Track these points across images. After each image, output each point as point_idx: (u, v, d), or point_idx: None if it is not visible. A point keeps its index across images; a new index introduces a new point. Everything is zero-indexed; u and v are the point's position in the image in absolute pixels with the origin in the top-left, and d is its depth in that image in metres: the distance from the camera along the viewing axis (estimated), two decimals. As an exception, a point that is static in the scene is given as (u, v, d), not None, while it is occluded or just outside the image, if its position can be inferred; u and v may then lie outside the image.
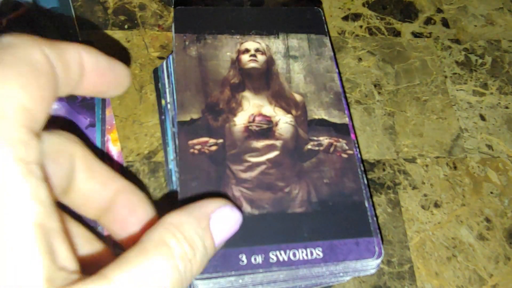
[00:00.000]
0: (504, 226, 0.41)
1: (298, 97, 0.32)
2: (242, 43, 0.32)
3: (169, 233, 0.18)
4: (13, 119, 0.15)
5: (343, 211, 0.30)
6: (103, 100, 0.41)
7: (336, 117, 0.31)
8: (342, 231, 0.29)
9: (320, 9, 0.36)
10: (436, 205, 0.41)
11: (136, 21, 0.47)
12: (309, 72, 0.32)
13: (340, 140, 0.31)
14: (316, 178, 0.30)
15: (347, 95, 0.46)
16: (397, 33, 0.51)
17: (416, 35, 0.51)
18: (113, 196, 0.22)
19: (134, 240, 0.18)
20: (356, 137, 0.36)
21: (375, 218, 0.30)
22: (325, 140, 0.31)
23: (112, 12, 0.47)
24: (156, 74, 0.43)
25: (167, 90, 0.40)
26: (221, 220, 0.21)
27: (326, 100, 0.31)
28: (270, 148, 0.31)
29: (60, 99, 0.39)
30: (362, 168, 0.32)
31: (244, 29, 0.32)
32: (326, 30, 0.32)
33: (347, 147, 0.31)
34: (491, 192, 0.43)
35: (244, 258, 0.27)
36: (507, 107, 0.48)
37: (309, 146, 0.31)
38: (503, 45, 0.52)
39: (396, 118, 0.46)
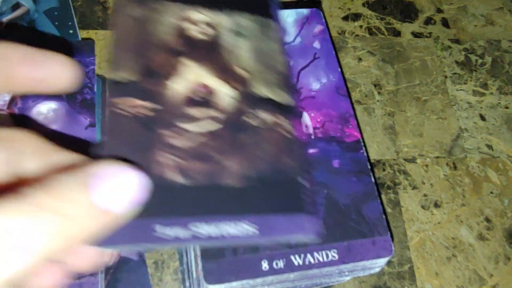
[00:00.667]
0: (504, 226, 0.41)
1: (243, 73, 0.31)
2: (188, 12, 0.31)
3: (44, 189, 0.17)
4: None
5: (278, 187, 0.29)
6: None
7: (281, 97, 0.31)
8: (274, 206, 0.28)
9: None
10: (436, 205, 0.41)
11: (136, 21, 0.47)
12: (256, 52, 0.31)
13: (283, 118, 0.30)
14: (253, 152, 0.30)
15: (347, 95, 0.46)
16: (397, 33, 0.51)
17: (416, 35, 0.51)
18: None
19: None
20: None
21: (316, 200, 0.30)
22: (266, 116, 0.30)
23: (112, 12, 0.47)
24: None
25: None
26: (105, 180, 0.18)
27: (271, 80, 0.30)
28: (210, 119, 0.30)
29: (61, 99, 0.39)
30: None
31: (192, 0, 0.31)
32: (275, 14, 0.31)
33: (290, 128, 0.30)
34: (491, 192, 0.43)
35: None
36: (507, 107, 0.48)
37: (249, 121, 0.30)
38: (503, 45, 0.52)
39: (396, 118, 0.46)
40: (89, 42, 0.38)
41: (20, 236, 0.16)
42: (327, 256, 0.28)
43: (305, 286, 0.32)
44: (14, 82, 0.20)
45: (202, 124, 0.28)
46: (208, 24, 0.30)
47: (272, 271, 0.27)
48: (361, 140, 0.32)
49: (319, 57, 0.36)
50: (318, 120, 0.33)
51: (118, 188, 0.18)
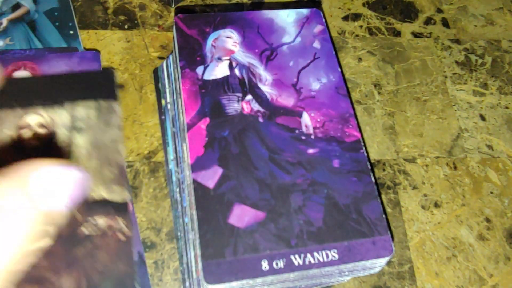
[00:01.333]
0: (504, 226, 0.41)
1: None
2: (24, 117, 0.30)
3: None
4: None
5: None
6: None
7: (116, 195, 0.29)
8: None
9: (113, 70, 0.34)
10: (436, 205, 0.41)
11: (136, 21, 0.47)
12: (93, 145, 0.29)
13: (119, 220, 0.29)
14: (88, 265, 0.28)
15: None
16: (397, 33, 0.51)
17: (416, 35, 0.51)
18: None
19: None
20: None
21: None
22: (102, 222, 0.29)
23: (112, 12, 0.47)
24: (156, 74, 0.43)
25: (167, 90, 0.40)
26: (45, 178, 0.18)
27: (108, 176, 0.29)
28: (41, 234, 0.28)
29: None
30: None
31: (27, 101, 0.30)
32: (116, 94, 0.30)
33: (125, 228, 0.29)
34: (491, 192, 0.43)
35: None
36: (507, 107, 0.48)
37: (84, 230, 0.29)
38: (503, 45, 0.52)
39: (396, 118, 0.46)
40: (109, 71, 0.37)
41: None
42: (327, 256, 0.28)
43: (305, 286, 0.32)
44: None
45: (33, 242, 0.26)
46: (42, 125, 0.28)
47: (272, 271, 0.27)
48: (361, 140, 0.32)
49: (319, 57, 0.36)
50: (318, 120, 0.33)
51: (55, 186, 0.18)
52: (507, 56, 0.51)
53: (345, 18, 0.51)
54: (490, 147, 0.45)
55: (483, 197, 0.43)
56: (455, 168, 0.44)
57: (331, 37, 0.40)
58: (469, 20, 0.54)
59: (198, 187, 0.29)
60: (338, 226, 0.29)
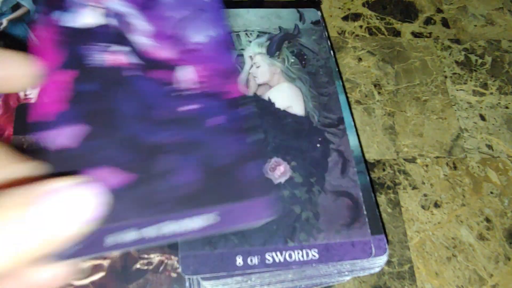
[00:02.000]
0: (504, 226, 0.41)
1: None
2: None
3: None
4: None
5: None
6: None
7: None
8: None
9: None
10: (436, 205, 0.41)
11: (136, 21, 0.47)
12: None
13: (172, 257, 0.30)
14: None
15: (347, 95, 0.46)
16: (397, 33, 0.51)
17: (416, 35, 0.51)
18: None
19: None
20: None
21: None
22: (155, 258, 0.30)
23: (112, 12, 0.47)
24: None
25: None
26: (58, 197, 0.17)
27: None
28: (96, 268, 0.28)
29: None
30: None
31: None
32: None
33: (177, 265, 0.30)
34: (491, 192, 0.43)
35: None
36: (507, 107, 0.48)
37: (137, 266, 0.29)
38: (503, 45, 0.52)
39: (396, 118, 0.46)
40: None
41: None
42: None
43: (305, 286, 0.32)
44: None
45: (89, 275, 0.25)
46: None
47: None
48: (245, 97, 0.31)
49: (205, 9, 0.35)
50: (199, 75, 0.32)
51: (68, 205, 0.17)
52: (507, 56, 0.51)
53: (345, 18, 0.51)
54: (490, 147, 0.45)
55: (483, 197, 0.43)
56: (455, 168, 0.44)
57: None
58: (469, 20, 0.54)
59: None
60: (215, 188, 0.28)
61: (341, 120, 0.35)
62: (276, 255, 0.28)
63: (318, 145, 0.33)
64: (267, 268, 0.27)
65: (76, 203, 0.17)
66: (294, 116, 0.34)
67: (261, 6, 0.50)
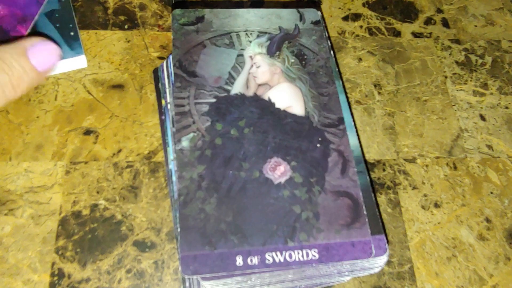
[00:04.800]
0: (504, 226, 0.41)
1: None
2: None
3: None
4: None
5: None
6: None
7: None
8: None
9: None
10: (436, 205, 0.41)
11: (136, 21, 0.47)
12: None
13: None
14: None
15: (347, 95, 0.46)
16: (397, 33, 0.51)
17: (416, 35, 0.51)
18: None
19: None
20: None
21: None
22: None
23: (112, 12, 0.47)
24: (156, 74, 0.43)
25: (167, 90, 0.40)
26: (38, 49, 0.27)
27: None
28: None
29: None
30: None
31: None
32: None
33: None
34: (491, 192, 0.43)
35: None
36: (507, 107, 0.48)
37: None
38: (503, 45, 0.52)
39: (396, 118, 0.46)
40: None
41: None
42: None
43: (305, 286, 0.32)
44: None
45: None
46: None
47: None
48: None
49: None
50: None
51: (46, 55, 0.27)
52: (507, 56, 0.51)
53: (345, 18, 0.51)
54: (490, 147, 0.45)
55: (483, 197, 0.43)
56: (455, 168, 0.44)
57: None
58: (469, 20, 0.54)
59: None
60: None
61: (341, 120, 0.35)
62: (276, 255, 0.28)
63: (318, 145, 0.33)
64: (267, 268, 0.27)
65: (49, 53, 0.27)
66: (294, 116, 0.34)
67: (261, 6, 0.50)
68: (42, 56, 0.27)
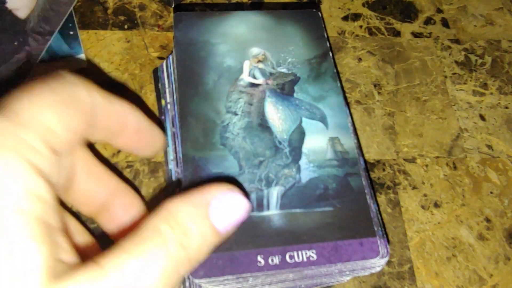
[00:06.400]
0: (504, 226, 0.41)
1: None
2: None
3: (163, 220, 0.19)
4: (34, 130, 0.16)
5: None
6: None
7: None
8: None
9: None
10: (436, 205, 0.41)
11: (136, 21, 0.47)
12: None
13: None
14: None
15: (347, 95, 0.46)
16: (397, 33, 0.51)
17: (416, 35, 0.51)
18: (110, 195, 0.24)
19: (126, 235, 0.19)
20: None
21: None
22: None
23: (112, 12, 0.47)
24: (156, 74, 0.43)
25: (167, 90, 0.40)
26: (223, 206, 0.20)
27: None
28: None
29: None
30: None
31: None
32: None
33: None
34: (491, 192, 0.43)
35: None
36: (507, 107, 0.48)
37: None
38: (503, 45, 0.52)
39: (396, 118, 0.46)
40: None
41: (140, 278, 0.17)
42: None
43: (305, 286, 0.32)
44: (119, 140, 0.22)
45: None
46: None
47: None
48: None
49: None
50: None
51: (232, 212, 0.20)
52: (507, 56, 0.51)
53: (345, 18, 0.51)
54: (490, 147, 0.45)
55: (483, 197, 0.43)
56: (455, 168, 0.44)
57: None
58: (469, 20, 0.54)
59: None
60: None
61: (51, 33, 0.38)
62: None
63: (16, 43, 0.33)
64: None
65: (230, 207, 0.20)
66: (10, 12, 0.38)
67: (261, 7, 0.50)
68: (227, 213, 0.20)
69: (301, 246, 0.28)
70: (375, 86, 0.47)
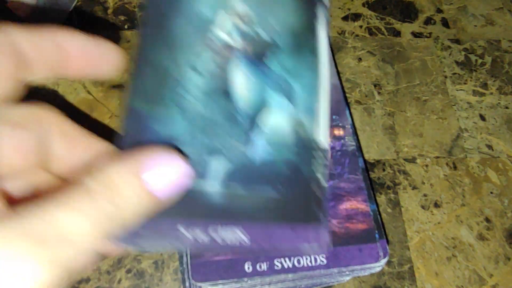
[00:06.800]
0: (504, 226, 0.41)
1: None
2: None
3: (92, 177, 0.18)
4: None
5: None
6: None
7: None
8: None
9: None
10: (436, 205, 0.41)
11: (136, 21, 0.47)
12: None
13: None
14: None
15: (347, 95, 0.46)
16: (397, 33, 0.51)
17: (416, 35, 0.51)
18: (96, 159, 0.22)
19: None
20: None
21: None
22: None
23: (112, 12, 0.47)
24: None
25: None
26: (159, 168, 0.19)
27: None
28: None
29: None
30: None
31: None
32: None
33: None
34: (491, 192, 0.43)
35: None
36: (507, 107, 0.48)
37: None
38: (503, 45, 0.52)
39: (396, 118, 0.46)
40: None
41: (71, 230, 0.16)
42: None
43: (305, 286, 0.32)
44: (67, 69, 0.21)
45: None
46: None
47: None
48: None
49: None
50: None
51: (168, 175, 0.19)
52: (507, 56, 0.51)
53: (345, 18, 0.51)
54: (490, 147, 0.45)
55: (483, 197, 0.43)
56: (455, 168, 0.44)
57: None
58: (469, 20, 0.54)
59: None
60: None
61: None
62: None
63: None
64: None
65: (173, 173, 0.19)
66: None
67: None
68: (164, 177, 0.19)
69: (229, 224, 0.27)
70: (375, 86, 0.47)
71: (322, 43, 0.33)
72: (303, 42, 0.33)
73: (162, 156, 0.19)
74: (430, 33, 0.52)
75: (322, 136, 0.31)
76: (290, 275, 0.28)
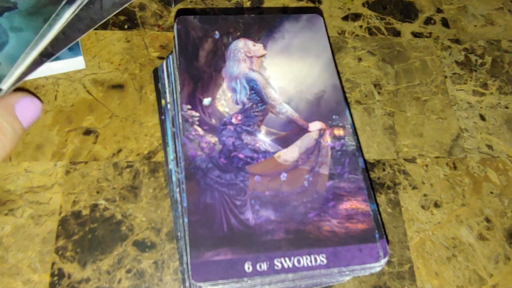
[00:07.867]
0: (504, 226, 0.41)
1: None
2: None
3: None
4: None
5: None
6: None
7: None
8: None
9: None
10: (436, 205, 0.41)
11: (136, 21, 0.47)
12: None
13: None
14: None
15: (347, 95, 0.46)
16: (397, 33, 0.51)
17: (416, 35, 0.51)
18: None
19: None
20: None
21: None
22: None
23: (112, 12, 0.47)
24: (156, 74, 0.43)
25: (167, 90, 0.40)
26: (24, 106, 0.27)
27: None
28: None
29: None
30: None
31: None
32: None
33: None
34: (491, 192, 0.43)
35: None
36: (507, 107, 0.48)
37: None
38: (503, 45, 0.52)
39: (396, 118, 0.46)
40: None
41: None
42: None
43: (305, 285, 0.32)
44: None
45: None
46: None
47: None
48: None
49: None
50: None
51: (31, 110, 0.27)
52: (507, 56, 0.51)
53: (345, 18, 0.51)
54: (490, 147, 0.45)
55: (483, 197, 0.43)
56: (455, 168, 0.44)
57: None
58: (469, 20, 0.54)
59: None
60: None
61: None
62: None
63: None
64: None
65: (28, 107, 0.27)
66: None
67: (262, 12, 0.50)
68: (27, 112, 0.27)
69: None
70: (375, 86, 0.47)
71: (63, 15, 0.38)
72: (42, 10, 0.37)
73: (25, 98, 0.27)
74: (430, 33, 0.52)
75: (5, 84, 0.36)
76: (290, 275, 0.28)
